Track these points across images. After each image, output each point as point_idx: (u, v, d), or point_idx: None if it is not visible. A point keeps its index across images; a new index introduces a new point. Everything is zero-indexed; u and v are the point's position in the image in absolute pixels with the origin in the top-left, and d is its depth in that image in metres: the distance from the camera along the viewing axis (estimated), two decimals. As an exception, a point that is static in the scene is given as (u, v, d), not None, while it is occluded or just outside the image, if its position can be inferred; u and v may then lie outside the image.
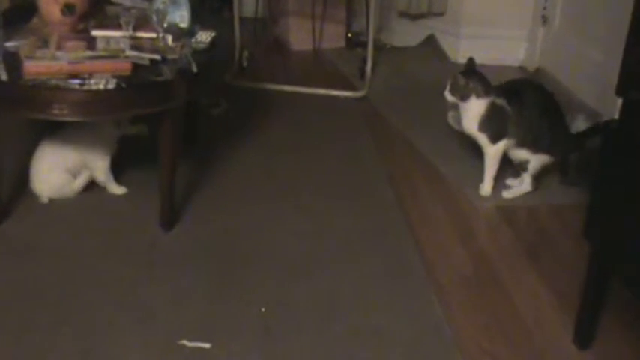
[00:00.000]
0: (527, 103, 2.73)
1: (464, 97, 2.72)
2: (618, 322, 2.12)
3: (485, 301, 2.24)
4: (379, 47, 4.45)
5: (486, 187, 2.83)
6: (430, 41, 4.60)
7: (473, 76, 2.73)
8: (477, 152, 2.90)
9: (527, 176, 2.81)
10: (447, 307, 2.19)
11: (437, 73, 4.23)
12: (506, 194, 2.84)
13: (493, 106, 2.72)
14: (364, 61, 4.03)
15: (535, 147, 2.75)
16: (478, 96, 2.71)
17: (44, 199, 2.63)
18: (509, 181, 2.89)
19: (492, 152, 2.77)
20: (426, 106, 3.72)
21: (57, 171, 2.63)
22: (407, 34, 4.68)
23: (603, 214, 1.89)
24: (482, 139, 2.76)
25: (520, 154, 2.79)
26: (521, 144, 2.75)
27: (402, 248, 2.50)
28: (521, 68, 4.24)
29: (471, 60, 2.79)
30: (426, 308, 2.19)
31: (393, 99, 3.85)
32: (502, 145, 2.74)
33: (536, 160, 2.78)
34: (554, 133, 2.75)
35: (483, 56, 2.74)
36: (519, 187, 2.84)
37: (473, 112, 2.74)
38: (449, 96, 2.76)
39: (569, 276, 2.34)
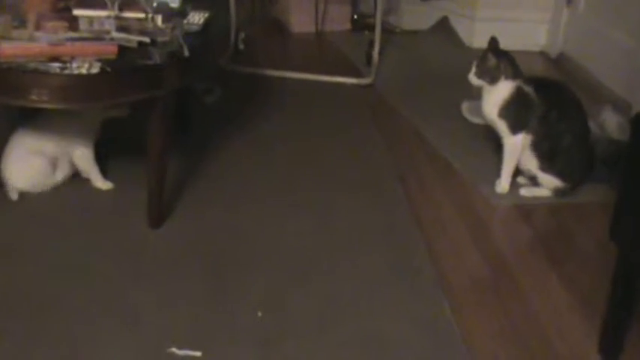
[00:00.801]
0: (557, 104, 2.72)
1: (493, 80, 2.71)
2: (648, 331, 2.11)
3: (501, 306, 2.23)
4: (388, 30, 4.44)
5: (503, 184, 2.82)
6: (443, 24, 4.60)
7: (503, 57, 2.72)
8: (493, 146, 2.89)
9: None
10: (458, 312, 2.18)
11: (450, 59, 4.25)
12: (525, 192, 2.82)
13: (519, 92, 2.71)
14: (371, 45, 4.02)
15: (546, 161, 2.74)
16: (507, 77, 2.70)
17: (14, 195, 2.61)
18: (521, 179, 2.88)
19: (511, 143, 2.75)
20: (438, 95, 3.72)
21: (34, 160, 2.61)
22: (418, 17, 4.68)
23: (631, 213, 1.88)
24: (502, 126, 2.74)
25: (529, 162, 2.77)
26: (535, 148, 2.74)
27: (410, 248, 2.49)
28: (543, 54, 4.24)
29: (494, 39, 2.77)
30: (436, 313, 2.18)
31: (402, 87, 3.85)
32: (521, 137, 2.72)
33: (544, 180, 2.77)
34: (571, 156, 2.74)
35: (501, 41, 2.73)
36: (539, 188, 2.82)
37: (497, 95, 2.72)
38: (475, 79, 2.74)
39: (593, 280, 2.33)
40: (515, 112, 2.72)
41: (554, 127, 2.71)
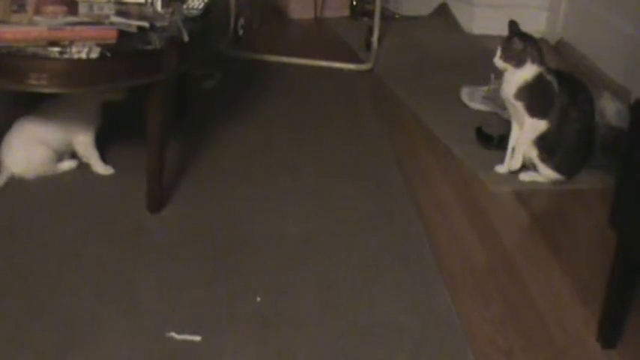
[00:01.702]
0: (577, 101, 2.72)
1: (519, 63, 2.69)
2: (647, 318, 2.10)
3: (500, 294, 2.22)
4: (387, 16, 4.42)
5: (515, 161, 2.80)
6: (442, 10, 4.58)
7: (529, 40, 2.71)
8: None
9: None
10: (458, 299, 2.17)
11: (449, 45, 4.24)
12: (524, 176, 2.82)
13: (541, 78, 2.69)
14: (370, 31, 4.00)
15: (545, 153, 2.74)
16: (533, 61, 2.69)
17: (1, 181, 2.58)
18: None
19: (530, 123, 2.73)
20: (437, 80, 3.71)
21: (36, 148, 2.60)
22: (417, 3, 4.66)
23: (631, 200, 1.87)
24: (520, 108, 2.73)
25: (530, 150, 2.77)
26: (540, 139, 2.73)
27: (410, 234, 2.48)
28: (542, 40, 4.21)
29: (514, 22, 2.76)
30: (436, 300, 2.17)
31: (401, 73, 3.83)
32: (543, 123, 2.72)
33: (542, 170, 2.78)
34: (571, 153, 2.76)
35: (499, 27, 2.72)
36: (538, 173, 2.81)
37: (520, 77, 2.71)
38: (500, 63, 2.71)
39: (592, 267, 2.32)
40: (534, 97, 2.70)
41: (568, 126, 2.71)
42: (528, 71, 2.69)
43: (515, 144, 2.80)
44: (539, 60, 2.69)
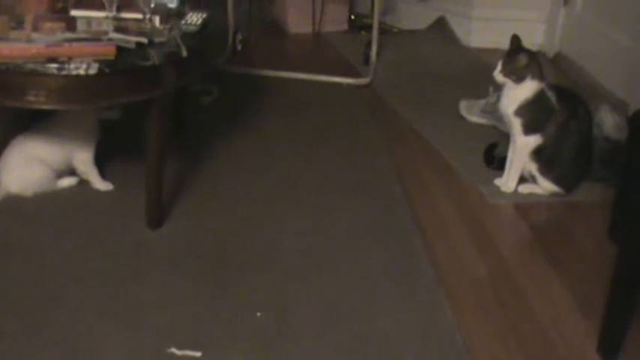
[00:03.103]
0: (576, 116, 2.73)
1: (520, 79, 2.68)
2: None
3: (501, 307, 2.22)
4: (385, 30, 4.43)
5: (510, 183, 2.81)
6: (440, 24, 4.59)
7: (533, 57, 2.70)
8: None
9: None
10: (458, 313, 2.17)
11: (447, 59, 4.25)
12: (522, 188, 2.82)
13: (541, 95, 2.69)
14: (369, 45, 4.01)
15: (544, 166, 2.75)
16: (533, 78, 2.68)
17: None
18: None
19: (523, 143, 2.74)
20: (436, 94, 3.71)
21: (34, 166, 2.60)
22: (415, 16, 4.67)
23: (631, 212, 1.87)
24: (516, 124, 2.73)
25: (530, 164, 2.77)
26: (538, 152, 2.74)
27: (409, 248, 2.48)
28: (540, 53, 4.22)
29: (516, 37, 2.75)
30: (436, 313, 2.17)
31: (399, 87, 3.84)
32: (533, 140, 2.72)
33: (542, 183, 2.78)
34: (570, 166, 2.77)
35: (497, 40, 2.73)
36: (538, 185, 2.82)
37: (520, 93, 2.70)
38: (500, 77, 2.71)
39: (592, 280, 2.32)
40: (533, 114, 2.70)
41: (567, 139, 2.71)
42: (529, 88, 2.68)
43: (510, 164, 2.81)
44: (540, 76, 2.69)
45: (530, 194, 2.81)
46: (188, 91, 3.21)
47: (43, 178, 2.62)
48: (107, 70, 2.19)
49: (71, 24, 2.38)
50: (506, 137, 2.88)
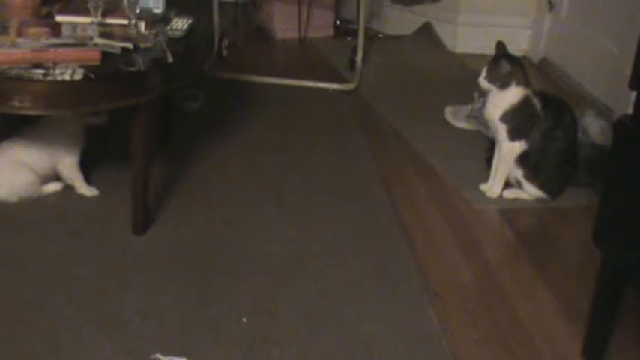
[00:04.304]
0: (561, 123, 2.74)
1: (504, 85, 2.70)
2: (632, 335, 2.11)
3: (486, 312, 2.23)
4: (371, 36, 4.45)
5: (495, 189, 2.83)
6: (426, 30, 4.61)
7: (517, 63, 2.72)
8: (476, 151, 2.89)
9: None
10: (443, 318, 2.18)
11: (433, 65, 4.27)
12: (508, 194, 2.83)
13: (526, 101, 2.71)
14: (354, 51, 4.02)
15: (529, 172, 2.77)
16: (518, 84, 2.70)
17: None
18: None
19: (507, 149, 2.76)
20: (422, 100, 3.73)
21: (19, 172, 2.60)
22: (401, 22, 4.69)
23: (615, 217, 1.88)
24: (501, 130, 2.74)
25: (515, 170, 2.79)
26: (523, 158, 2.75)
27: (395, 253, 2.49)
28: (525, 59, 4.25)
29: (501, 44, 2.77)
30: (421, 318, 2.18)
31: (385, 92, 3.85)
32: (519, 145, 2.73)
33: (527, 188, 2.80)
34: (555, 172, 2.78)
35: (483, 46, 2.74)
36: (523, 191, 2.83)
37: (504, 99, 2.72)
38: (485, 83, 2.73)
39: (577, 285, 2.33)
40: (518, 120, 2.72)
41: (552, 145, 2.73)
42: (514, 94, 2.70)
43: (495, 170, 2.83)
44: (525, 82, 2.71)
45: (516, 200, 2.83)
46: (174, 97, 3.21)
47: (29, 183, 2.62)
48: (92, 75, 2.19)
49: (56, 29, 2.37)
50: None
